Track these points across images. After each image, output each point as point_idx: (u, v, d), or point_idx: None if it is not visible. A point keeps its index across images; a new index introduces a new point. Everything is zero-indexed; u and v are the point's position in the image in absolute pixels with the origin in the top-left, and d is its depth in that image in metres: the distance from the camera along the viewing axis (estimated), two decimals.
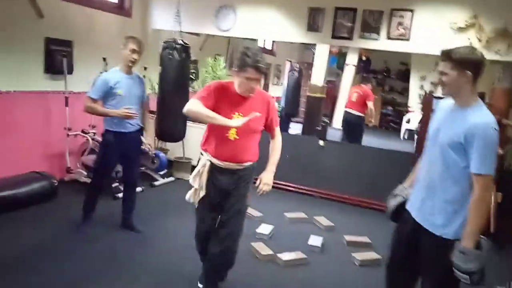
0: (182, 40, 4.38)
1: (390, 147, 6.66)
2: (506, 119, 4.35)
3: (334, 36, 4.94)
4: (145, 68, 5.55)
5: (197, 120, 2.55)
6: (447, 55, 1.95)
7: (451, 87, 1.98)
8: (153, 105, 4.63)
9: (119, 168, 4.43)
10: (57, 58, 4.54)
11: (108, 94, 3.40)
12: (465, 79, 1.93)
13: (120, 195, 4.47)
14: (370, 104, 6.84)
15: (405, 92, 12.77)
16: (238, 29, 5.37)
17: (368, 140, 7.94)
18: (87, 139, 4.78)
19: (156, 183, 5.20)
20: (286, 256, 3.50)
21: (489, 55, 4.49)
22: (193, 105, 2.39)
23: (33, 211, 3.95)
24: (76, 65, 4.81)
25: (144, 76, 5.47)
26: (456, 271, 1.90)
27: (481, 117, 1.91)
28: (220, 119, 2.35)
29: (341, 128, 7.72)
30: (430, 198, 2.07)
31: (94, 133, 4.82)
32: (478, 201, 1.88)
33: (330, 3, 4.90)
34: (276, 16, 5.19)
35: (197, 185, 2.62)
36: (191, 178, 2.66)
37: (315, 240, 3.93)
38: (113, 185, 4.56)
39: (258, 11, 5.26)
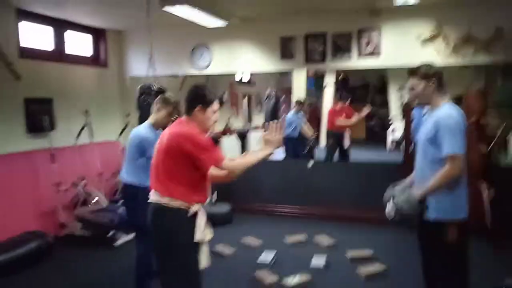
0: (156, 85, 4.43)
1: (380, 159, 6.76)
2: (483, 118, 4.48)
3: (307, 61, 5.11)
4: (127, 115, 5.61)
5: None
6: (412, 72, 2.37)
7: (421, 97, 2.36)
8: None
9: (114, 216, 4.43)
10: (38, 116, 4.60)
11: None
12: (431, 88, 2.33)
13: (117, 243, 4.47)
14: (355, 118, 6.97)
15: (386, 104, 13.04)
16: (215, 66, 5.52)
17: (358, 153, 8.03)
18: (78, 192, 4.76)
19: (117, 243, 4.53)
20: (291, 280, 3.48)
21: (457, 60, 4.71)
22: (234, 164, 2.29)
23: (30, 272, 3.87)
24: (58, 120, 4.86)
25: (127, 123, 5.61)
26: (392, 199, 2.35)
27: (445, 111, 2.28)
28: (266, 152, 2.37)
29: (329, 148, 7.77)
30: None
31: (85, 185, 4.82)
32: (445, 173, 2.21)
33: (300, 31, 5.10)
34: (249, 49, 5.37)
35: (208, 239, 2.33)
36: (201, 234, 2.26)
37: (318, 260, 3.93)
38: (109, 234, 4.51)
39: (232, 46, 5.44)
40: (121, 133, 5.61)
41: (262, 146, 2.37)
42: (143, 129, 3.27)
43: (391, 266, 3.75)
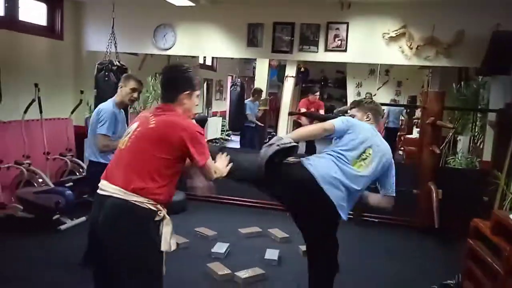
0: (118, 61, 4.25)
1: None
2: (440, 120, 4.60)
3: (274, 51, 5.03)
4: (81, 92, 5.31)
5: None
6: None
7: None
8: None
9: (59, 198, 4.18)
10: None
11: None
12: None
13: (63, 227, 4.23)
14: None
15: (343, 98, 13.26)
16: (179, 47, 5.31)
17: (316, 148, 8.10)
18: (22, 171, 4.46)
19: (62, 227, 4.28)
20: (243, 273, 3.43)
21: (419, 61, 4.81)
22: (214, 166, 2.15)
23: None
24: (3, 93, 4.48)
25: (81, 100, 5.32)
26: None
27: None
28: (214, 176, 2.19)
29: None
30: None
31: (29, 164, 4.51)
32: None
33: (269, 19, 5.00)
34: (216, 33, 5.20)
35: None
36: (167, 244, 1.96)
37: (272, 254, 3.91)
38: (54, 217, 4.27)
39: (198, 28, 5.25)
40: (73, 110, 5.32)
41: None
42: (109, 106, 3.22)
43: (343, 262, 3.78)
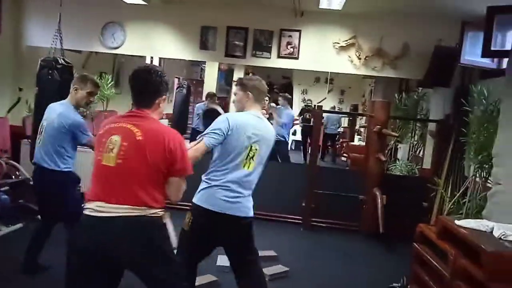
0: (63, 59, 4.00)
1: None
2: (386, 129, 4.80)
3: (227, 55, 5.00)
4: (20, 89, 4.96)
5: None
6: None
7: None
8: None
9: None
10: None
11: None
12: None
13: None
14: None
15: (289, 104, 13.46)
16: (128, 46, 5.12)
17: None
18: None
19: None
20: (196, 281, 3.36)
21: (367, 71, 4.99)
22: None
23: None
24: None
25: (19, 98, 4.97)
26: None
27: None
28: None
29: None
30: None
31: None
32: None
33: (222, 22, 4.96)
34: (168, 34, 5.08)
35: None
36: (174, 241, 2.13)
37: (224, 260, 3.83)
38: None
39: (149, 28, 5.09)
40: (10, 108, 4.96)
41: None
42: (70, 111, 3.00)
43: (294, 267, 3.82)
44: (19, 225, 4.11)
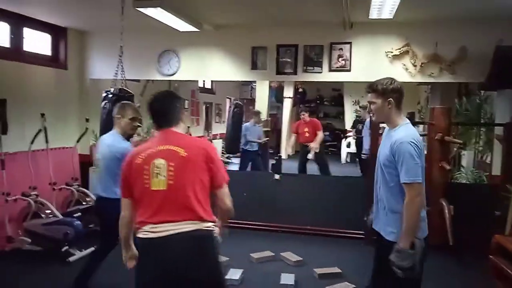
0: (125, 89, 4.20)
1: (333, 172, 6.92)
2: (448, 136, 4.60)
3: (278, 72, 5.05)
4: (87, 120, 5.29)
5: None
6: (371, 87, 2.28)
7: (378, 114, 2.30)
8: None
9: (68, 229, 4.10)
10: None
11: None
12: (389, 105, 2.23)
13: (72, 258, 4.13)
14: (320, 134, 7.08)
15: (339, 115, 13.31)
16: (183, 72, 5.32)
17: (310, 167, 8.08)
18: (29, 203, 4.38)
19: (71, 258, 4.19)
20: None
21: (424, 78, 4.83)
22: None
23: None
24: (11, 123, 4.45)
25: (86, 129, 5.29)
26: (393, 267, 2.14)
27: (401, 133, 2.19)
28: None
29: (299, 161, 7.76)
30: (382, 211, 2.31)
31: (37, 195, 4.44)
32: (408, 204, 2.12)
33: (272, 41, 5.03)
34: (220, 57, 5.23)
35: None
36: None
37: (287, 279, 3.83)
38: (63, 249, 4.17)
39: (201, 53, 5.27)
40: (79, 139, 5.28)
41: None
42: (119, 140, 3.13)
43: (359, 284, 3.72)
44: (90, 249, 4.24)
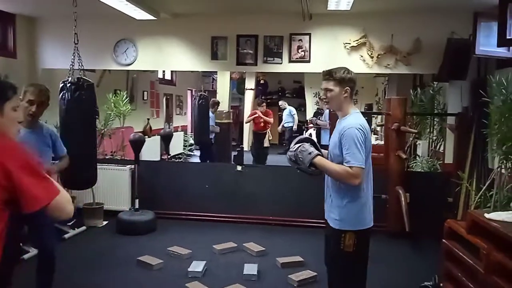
0: (84, 78, 4.00)
1: None
2: (404, 126, 4.74)
3: (238, 63, 5.01)
4: None
5: None
6: (330, 74, 2.30)
7: (333, 103, 2.33)
8: None
9: None
10: None
11: None
12: (345, 93, 2.29)
13: (26, 256, 3.96)
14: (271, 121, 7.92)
15: (301, 107, 13.46)
16: (141, 62, 5.18)
17: (271, 158, 8.20)
18: None
19: (66, 235, 4.64)
20: None
21: (380, 70, 4.95)
22: None
23: None
24: None
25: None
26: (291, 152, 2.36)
27: (351, 121, 2.26)
28: None
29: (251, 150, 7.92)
30: (328, 198, 2.39)
31: None
32: (343, 174, 2.19)
33: (232, 31, 4.98)
34: (179, 46, 5.12)
35: None
36: None
37: (250, 269, 3.85)
38: None
39: (160, 42, 5.14)
40: None
41: None
42: None
43: (321, 272, 3.78)
44: (82, 228, 4.86)
